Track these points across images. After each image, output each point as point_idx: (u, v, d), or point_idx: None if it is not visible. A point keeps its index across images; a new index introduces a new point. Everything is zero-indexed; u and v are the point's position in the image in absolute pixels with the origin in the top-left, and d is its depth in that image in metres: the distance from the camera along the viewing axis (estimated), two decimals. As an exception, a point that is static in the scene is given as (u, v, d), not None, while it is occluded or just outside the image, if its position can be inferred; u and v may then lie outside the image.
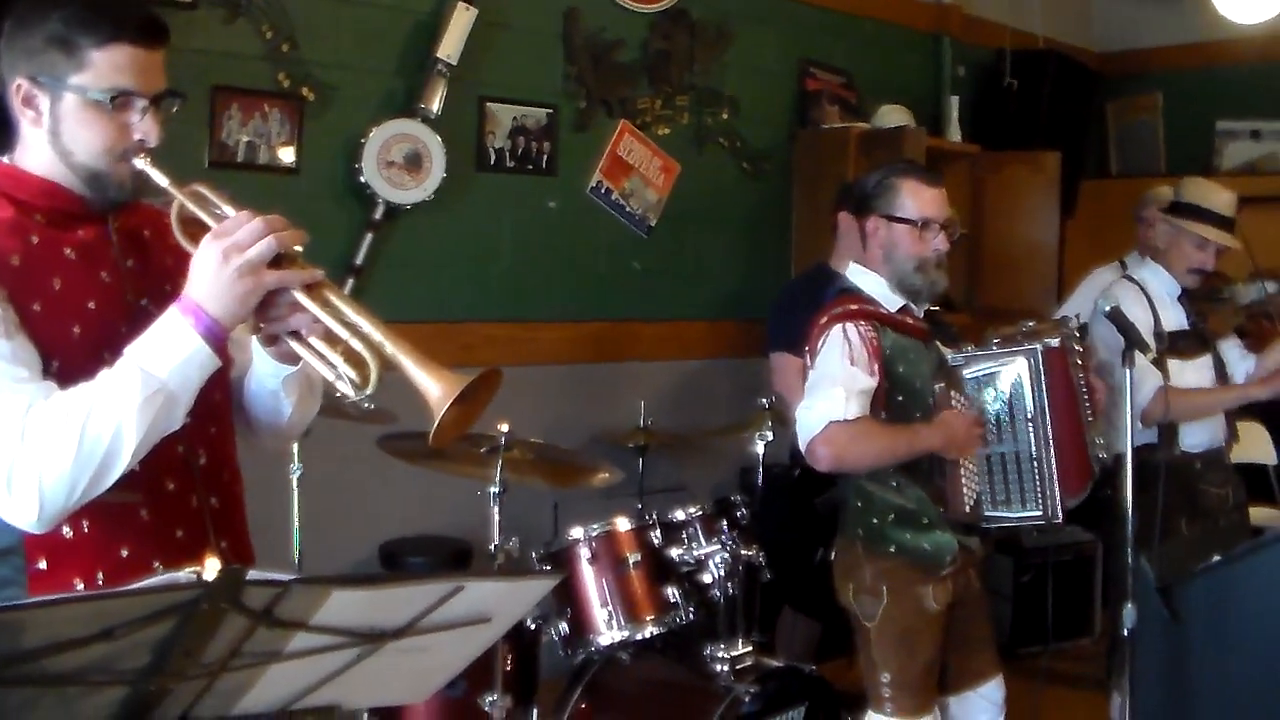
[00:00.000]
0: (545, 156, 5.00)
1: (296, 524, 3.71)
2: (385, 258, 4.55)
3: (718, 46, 5.55)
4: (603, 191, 5.21)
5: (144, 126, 1.97)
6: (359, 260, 4.45)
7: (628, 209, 5.29)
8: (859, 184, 3.68)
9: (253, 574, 1.35)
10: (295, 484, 3.71)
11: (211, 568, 1.35)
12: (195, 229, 1.96)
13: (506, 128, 4.88)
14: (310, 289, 1.91)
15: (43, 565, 1.90)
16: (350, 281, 4.42)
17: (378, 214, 4.48)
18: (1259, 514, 4.77)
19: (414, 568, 4.31)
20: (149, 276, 2.05)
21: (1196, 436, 4.23)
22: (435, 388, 1.81)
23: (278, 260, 1.89)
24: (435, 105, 4.53)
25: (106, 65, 1.92)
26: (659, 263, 5.43)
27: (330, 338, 1.93)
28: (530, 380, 4.92)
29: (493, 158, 4.85)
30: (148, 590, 1.36)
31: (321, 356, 1.96)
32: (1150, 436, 4.06)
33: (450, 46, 4.54)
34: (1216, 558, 3.38)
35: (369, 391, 1.90)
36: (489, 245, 4.89)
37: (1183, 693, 3.40)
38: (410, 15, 4.56)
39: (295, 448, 3.69)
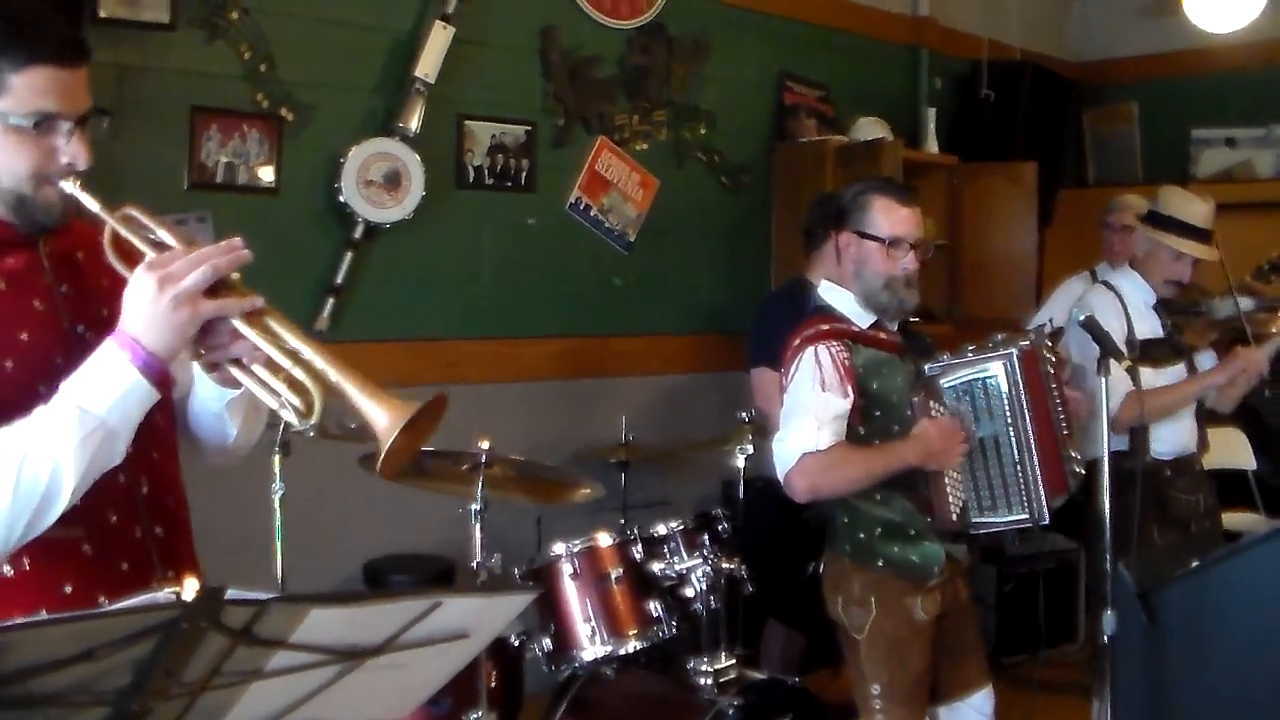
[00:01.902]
0: (524, 173, 5.01)
1: (279, 543, 3.70)
2: (366, 276, 4.56)
3: (695, 61, 5.57)
4: (582, 208, 5.23)
5: (71, 149, 1.89)
6: (339, 279, 4.46)
7: (607, 225, 5.31)
8: (835, 197, 3.67)
9: (232, 593, 1.35)
10: (277, 503, 3.70)
11: (190, 587, 1.35)
12: (130, 251, 1.90)
13: (485, 145, 4.89)
14: (250, 316, 1.85)
15: None
16: (331, 301, 4.44)
17: (357, 233, 4.49)
18: (1240, 519, 4.79)
19: (397, 585, 4.31)
20: (85, 301, 1.99)
21: (1166, 443, 4.25)
22: (382, 416, 1.77)
23: (215, 288, 1.83)
24: (414, 124, 4.54)
25: (26, 89, 1.84)
26: (639, 278, 5.44)
27: (272, 365, 1.88)
28: (512, 397, 4.94)
29: (471, 175, 4.86)
30: (128, 610, 1.37)
31: (264, 384, 1.90)
32: (1121, 444, 4.07)
33: (428, 65, 4.55)
34: (1195, 563, 3.41)
35: (313, 420, 1.85)
36: (469, 263, 4.90)
37: (1163, 697, 3.43)
38: (388, 34, 4.58)
39: (277, 466, 3.68)
